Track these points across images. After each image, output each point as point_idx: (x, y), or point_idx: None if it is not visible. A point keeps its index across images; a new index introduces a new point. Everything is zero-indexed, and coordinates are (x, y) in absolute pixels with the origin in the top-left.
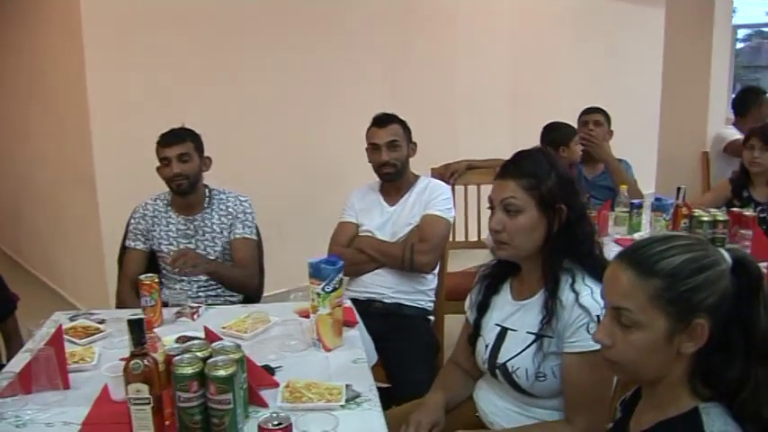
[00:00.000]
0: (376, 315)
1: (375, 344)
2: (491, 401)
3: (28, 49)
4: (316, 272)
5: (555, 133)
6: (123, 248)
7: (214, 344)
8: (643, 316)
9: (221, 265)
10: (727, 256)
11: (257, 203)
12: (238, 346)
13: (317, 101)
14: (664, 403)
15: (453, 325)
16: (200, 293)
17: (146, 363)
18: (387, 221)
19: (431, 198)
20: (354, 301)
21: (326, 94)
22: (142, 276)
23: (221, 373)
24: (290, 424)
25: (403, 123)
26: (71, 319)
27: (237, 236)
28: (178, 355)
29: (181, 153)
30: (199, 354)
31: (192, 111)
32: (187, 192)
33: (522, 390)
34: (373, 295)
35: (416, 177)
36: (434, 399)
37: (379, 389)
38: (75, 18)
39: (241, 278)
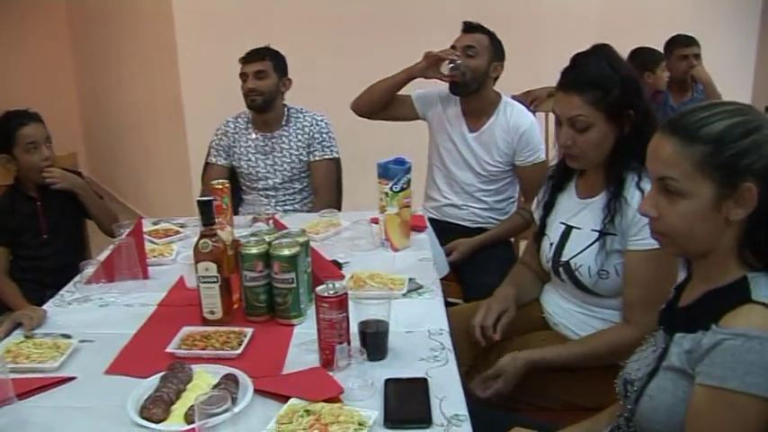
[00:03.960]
0: (457, 232)
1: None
2: (556, 303)
3: None
4: (384, 172)
5: (640, 58)
6: (206, 165)
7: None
8: (688, 183)
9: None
10: None
11: (344, 133)
12: (303, 231)
13: (397, 23)
14: (713, 275)
15: None
16: (278, 207)
17: (214, 242)
18: (470, 151)
19: (522, 146)
20: (434, 221)
21: (405, 13)
22: (214, 182)
23: (285, 252)
24: (346, 294)
25: (493, 37)
26: (154, 224)
27: (317, 158)
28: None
29: (258, 70)
30: (266, 237)
31: (279, 37)
32: (261, 108)
33: (585, 288)
34: (457, 221)
35: (499, 97)
36: (505, 290)
37: (452, 303)
38: None
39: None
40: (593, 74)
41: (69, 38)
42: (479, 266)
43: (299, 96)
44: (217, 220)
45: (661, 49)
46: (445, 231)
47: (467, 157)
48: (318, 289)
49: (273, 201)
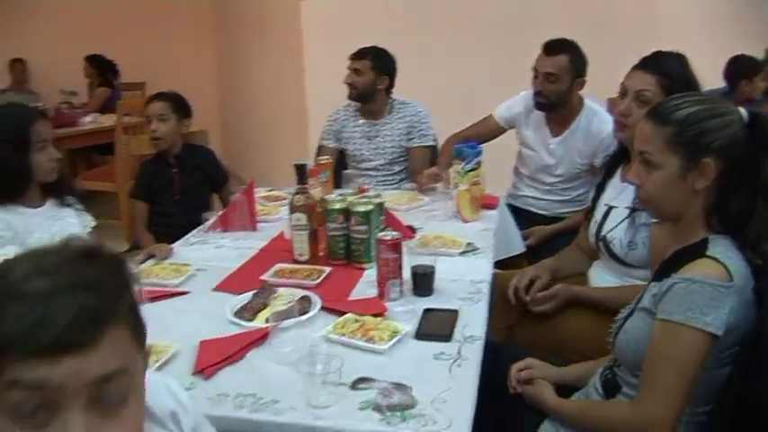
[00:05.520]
0: (535, 220)
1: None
2: (599, 276)
3: None
4: (458, 154)
5: (740, 64)
6: (319, 147)
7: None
8: (660, 157)
9: None
10: (743, 111)
11: (441, 124)
12: (378, 194)
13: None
14: (683, 237)
15: None
16: (378, 186)
17: (306, 198)
18: (551, 156)
19: (602, 150)
20: (515, 208)
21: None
22: (320, 157)
23: (361, 208)
24: (399, 239)
25: (574, 54)
26: (268, 191)
27: (415, 144)
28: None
29: (356, 68)
30: (348, 198)
31: (392, 39)
32: (356, 99)
33: (619, 260)
34: (536, 209)
35: (581, 103)
36: (545, 262)
37: None
38: None
39: None
40: (672, 66)
41: (212, 40)
42: (552, 252)
43: (404, 90)
44: (309, 182)
45: None
46: (525, 218)
47: (548, 162)
48: (379, 234)
49: (375, 180)
